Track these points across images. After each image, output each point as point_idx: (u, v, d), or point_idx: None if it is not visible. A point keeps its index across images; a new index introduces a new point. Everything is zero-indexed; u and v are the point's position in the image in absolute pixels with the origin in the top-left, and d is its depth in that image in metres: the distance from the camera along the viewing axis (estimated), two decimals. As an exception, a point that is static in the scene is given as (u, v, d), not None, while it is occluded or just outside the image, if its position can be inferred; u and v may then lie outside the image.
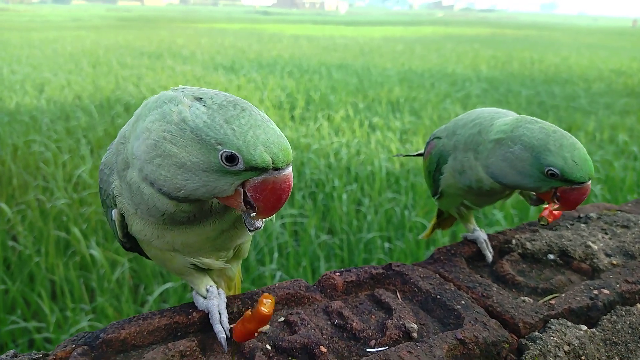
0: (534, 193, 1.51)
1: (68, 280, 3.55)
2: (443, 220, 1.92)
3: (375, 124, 7.59)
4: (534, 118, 1.30)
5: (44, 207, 4.59)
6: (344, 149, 6.22)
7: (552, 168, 1.21)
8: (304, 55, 16.85)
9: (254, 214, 0.94)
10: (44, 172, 5.44)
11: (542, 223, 1.37)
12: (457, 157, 1.43)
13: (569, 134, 1.25)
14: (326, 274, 1.33)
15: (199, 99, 0.89)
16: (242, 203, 0.92)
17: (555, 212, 1.38)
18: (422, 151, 1.79)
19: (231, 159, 0.86)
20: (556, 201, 1.29)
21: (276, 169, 0.87)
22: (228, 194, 0.91)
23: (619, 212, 1.81)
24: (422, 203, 4.73)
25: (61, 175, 5.16)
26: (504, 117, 1.36)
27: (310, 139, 6.61)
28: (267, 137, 0.86)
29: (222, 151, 0.85)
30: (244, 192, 0.91)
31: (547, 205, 1.39)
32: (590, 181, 1.24)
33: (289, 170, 0.90)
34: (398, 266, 1.39)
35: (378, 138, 6.74)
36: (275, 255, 3.85)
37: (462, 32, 32.94)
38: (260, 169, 0.87)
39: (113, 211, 1.06)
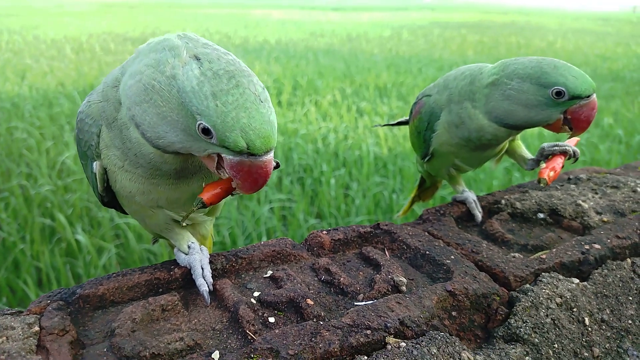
0: (529, 158, 1.52)
1: (54, 267, 3.51)
2: (424, 190, 1.91)
3: (362, 109, 7.56)
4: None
5: (27, 194, 4.52)
6: (332, 134, 6.20)
7: (556, 87, 1.23)
8: (291, 41, 16.71)
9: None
10: (27, 159, 5.35)
11: (541, 184, 1.36)
12: (452, 110, 1.42)
13: (557, 59, 1.28)
14: (313, 233, 1.32)
15: (198, 59, 0.86)
16: (215, 169, 0.92)
17: (552, 174, 1.37)
18: (403, 119, 1.78)
19: (206, 131, 0.84)
20: (568, 129, 1.30)
21: (252, 154, 0.85)
22: (201, 155, 0.91)
23: (608, 174, 1.82)
24: (409, 187, 4.73)
25: (45, 162, 5.08)
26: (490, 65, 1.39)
27: (297, 124, 6.57)
28: (250, 121, 0.83)
29: (199, 122, 0.84)
30: (218, 160, 0.91)
31: (544, 166, 1.40)
32: (595, 95, 1.25)
33: (267, 158, 0.87)
34: (386, 225, 1.38)
35: (366, 123, 6.72)
36: (264, 239, 3.84)
37: (449, 18, 32.91)
38: (235, 151, 0.85)
39: (94, 163, 1.04)
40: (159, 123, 0.88)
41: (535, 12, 49.59)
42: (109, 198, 1.13)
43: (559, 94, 1.23)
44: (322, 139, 6.01)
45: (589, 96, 1.24)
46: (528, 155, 1.55)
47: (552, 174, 1.36)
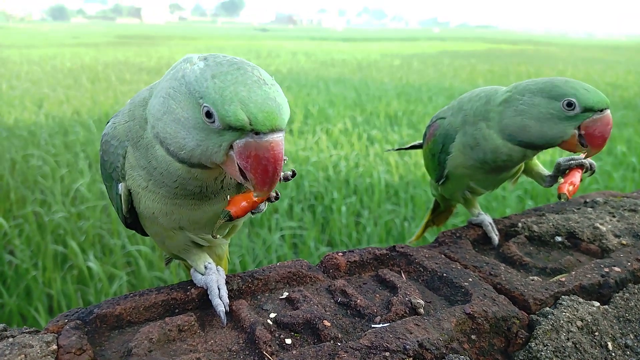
0: (547, 175, 1.51)
1: (65, 294, 3.51)
2: (438, 214, 1.90)
3: (373, 137, 7.59)
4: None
5: (41, 220, 4.56)
6: (343, 161, 6.22)
7: (568, 98, 1.23)
8: (302, 70, 16.93)
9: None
10: (42, 186, 5.41)
11: (562, 199, 1.35)
12: (467, 132, 1.43)
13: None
14: (329, 255, 1.32)
15: (205, 59, 0.88)
16: (238, 172, 0.88)
17: (571, 189, 1.36)
18: (416, 142, 1.79)
19: (209, 115, 0.82)
20: (582, 146, 1.28)
21: (257, 132, 0.82)
22: (220, 158, 0.87)
23: (625, 198, 1.80)
24: (421, 215, 4.71)
25: (59, 189, 5.14)
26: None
27: (308, 152, 6.60)
28: (249, 95, 0.80)
29: (202, 105, 0.83)
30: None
31: (563, 181, 1.39)
32: (609, 111, 1.24)
33: (275, 137, 0.82)
34: (402, 247, 1.38)
35: (377, 151, 6.74)
36: (275, 266, 3.81)
37: (459, 48, 33.24)
38: (239, 130, 0.82)
39: (120, 185, 1.04)
40: (177, 129, 0.87)
41: (544, 41, 49.94)
42: (132, 220, 1.14)
43: (569, 105, 1.23)
44: (333, 167, 6.03)
45: (602, 110, 1.24)
46: (545, 172, 1.54)
47: (571, 188, 1.35)
